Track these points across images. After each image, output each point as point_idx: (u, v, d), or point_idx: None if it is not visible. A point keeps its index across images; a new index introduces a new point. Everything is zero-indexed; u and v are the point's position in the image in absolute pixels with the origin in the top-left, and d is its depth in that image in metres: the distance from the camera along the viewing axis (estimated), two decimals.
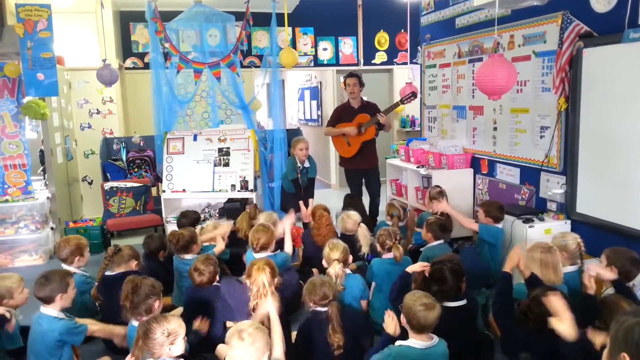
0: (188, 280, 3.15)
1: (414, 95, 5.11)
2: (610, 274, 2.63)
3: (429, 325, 2.23)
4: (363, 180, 5.34)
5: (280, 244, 3.62)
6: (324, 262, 3.11)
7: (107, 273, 3.23)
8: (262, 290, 2.59)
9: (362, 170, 5.26)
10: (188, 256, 3.52)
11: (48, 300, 2.65)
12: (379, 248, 3.38)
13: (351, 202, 4.57)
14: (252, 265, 2.71)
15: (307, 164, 4.92)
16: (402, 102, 5.13)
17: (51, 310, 2.66)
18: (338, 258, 2.98)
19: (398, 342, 2.33)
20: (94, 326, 2.83)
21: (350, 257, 3.16)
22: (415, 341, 2.25)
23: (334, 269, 2.95)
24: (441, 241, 3.55)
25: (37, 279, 2.69)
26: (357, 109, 5.17)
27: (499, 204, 3.91)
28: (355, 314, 2.88)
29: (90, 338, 3.18)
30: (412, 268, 2.94)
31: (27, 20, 4.44)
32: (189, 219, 4.35)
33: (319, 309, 2.59)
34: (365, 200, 5.27)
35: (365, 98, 5.31)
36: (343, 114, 5.25)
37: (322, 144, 8.44)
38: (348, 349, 2.54)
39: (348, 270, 3.09)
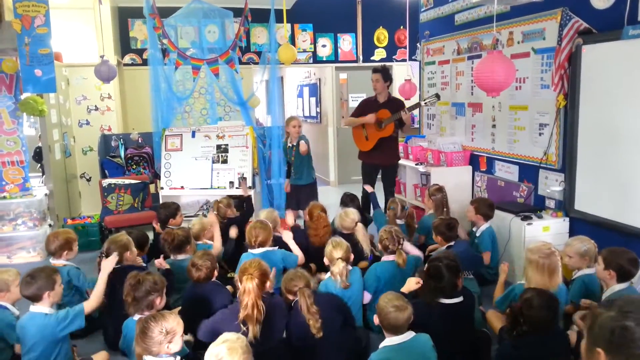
0: (185, 281, 3.12)
1: (437, 96, 4.93)
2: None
3: (400, 325, 2.30)
4: (378, 176, 5.30)
5: (277, 241, 3.61)
6: (325, 260, 3.09)
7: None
8: (249, 303, 2.46)
9: (377, 166, 5.20)
10: (181, 256, 3.44)
11: (36, 298, 2.61)
12: (380, 249, 3.33)
13: (350, 202, 4.52)
14: (242, 272, 2.57)
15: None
16: (425, 102, 5.00)
17: (41, 308, 2.61)
18: (341, 256, 2.97)
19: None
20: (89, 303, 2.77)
21: (352, 256, 3.14)
22: (390, 339, 2.33)
23: (338, 267, 2.94)
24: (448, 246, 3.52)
25: (23, 277, 2.64)
26: (381, 104, 5.07)
27: (489, 201, 3.91)
28: (333, 298, 2.86)
29: (89, 334, 3.19)
30: (407, 288, 2.89)
31: (25, 16, 4.40)
32: (169, 209, 4.13)
33: (295, 299, 2.63)
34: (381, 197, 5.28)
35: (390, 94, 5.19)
36: (366, 107, 5.15)
37: (321, 141, 8.44)
38: (331, 332, 2.57)
39: (350, 268, 3.07)
